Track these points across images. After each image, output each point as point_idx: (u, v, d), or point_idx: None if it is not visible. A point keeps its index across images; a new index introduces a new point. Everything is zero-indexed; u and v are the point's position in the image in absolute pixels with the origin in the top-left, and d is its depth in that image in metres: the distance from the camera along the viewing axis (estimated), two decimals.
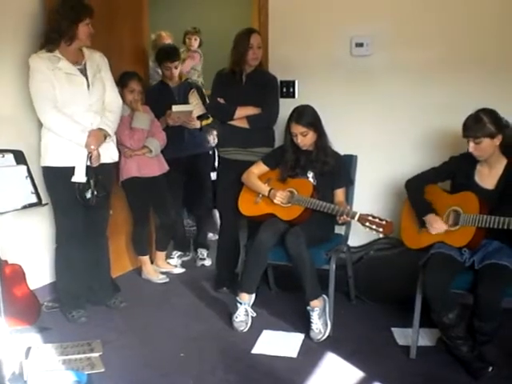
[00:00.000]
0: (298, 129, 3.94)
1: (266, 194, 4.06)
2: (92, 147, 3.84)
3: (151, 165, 4.67)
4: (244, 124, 4.35)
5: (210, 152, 5.60)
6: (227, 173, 4.48)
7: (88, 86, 3.89)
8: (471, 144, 3.40)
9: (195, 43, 6.74)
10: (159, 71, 5.25)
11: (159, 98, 4.92)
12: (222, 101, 4.40)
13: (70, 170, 3.82)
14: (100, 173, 3.91)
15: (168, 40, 6.26)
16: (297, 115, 3.97)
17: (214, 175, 5.32)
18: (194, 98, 5.08)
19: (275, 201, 3.98)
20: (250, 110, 4.34)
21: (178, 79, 5.14)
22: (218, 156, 4.67)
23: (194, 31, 6.74)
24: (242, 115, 4.34)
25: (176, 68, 5.03)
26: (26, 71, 3.84)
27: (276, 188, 4.04)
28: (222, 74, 4.47)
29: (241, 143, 4.39)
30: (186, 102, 5.04)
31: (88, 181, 3.84)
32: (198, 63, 6.76)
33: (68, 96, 3.82)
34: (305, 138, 3.96)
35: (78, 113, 3.84)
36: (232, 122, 4.38)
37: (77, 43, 3.85)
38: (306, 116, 3.97)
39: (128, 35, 4.84)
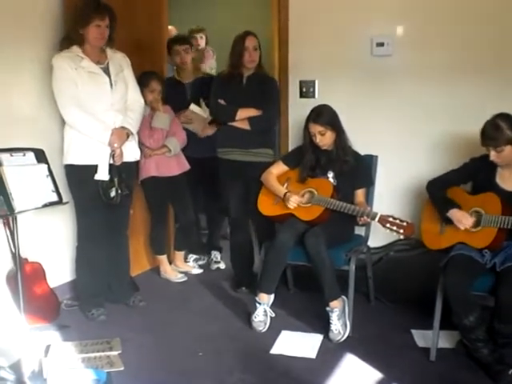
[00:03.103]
0: (316, 128, 3.93)
1: (281, 196, 4.04)
2: (115, 145, 3.86)
3: (170, 164, 4.67)
4: (245, 125, 4.35)
5: None
6: (229, 174, 4.50)
7: (111, 84, 3.91)
8: (492, 152, 3.36)
9: (202, 42, 6.62)
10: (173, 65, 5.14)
11: (169, 95, 4.77)
12: (222, 102, 4.41)
13: (93, 168, 3.84)
14: (122, 171, 3.93)
15: (173, 33, 6.20)
16: (315, 115, 3.96)
17: None
18: (195, 108, 4.93)
19: (289, 205, 3.96)
20: (252, 112, 4.34)
21: (193, 74, 5.07)
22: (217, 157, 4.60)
23: (198, 29, 6.63)
24: (244, 116, 4.34)
25: (186, 52, 4.94)
26: (48, 71, 3.88)
27: (293, 190, 4.02)
28: (223, 75, 4.48)
29: (241, 144, 4.39)
30: (198, 99, 4.95)
31: (112, 179, 3.86)
32: (213, 61, 6.71)
33: (91, 94, 3.84)
34: (323, 138, 3.95)
35: (100, 111, 3.86)
36: (233, 123, 4.38)
37: (88, 45, 3.86)
38: (324, 115, 3.96)
39: (147, 31, 4.81)
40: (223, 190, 4.61)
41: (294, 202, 3.95)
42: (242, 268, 4.65)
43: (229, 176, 4.50)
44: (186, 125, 4.85)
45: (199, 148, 4.91)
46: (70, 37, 3.87)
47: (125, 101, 4.02)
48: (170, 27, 6.15)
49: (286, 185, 4.10)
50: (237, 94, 4.36)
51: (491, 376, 3.27)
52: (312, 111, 4.00)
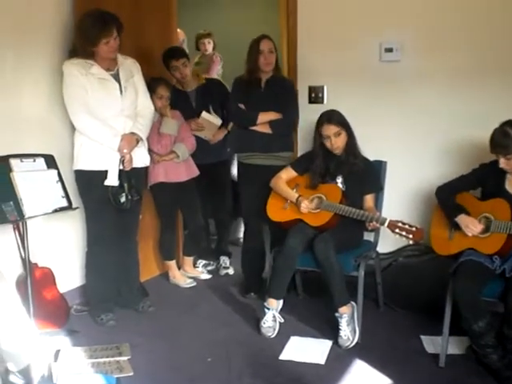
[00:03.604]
0: (330, 129, 3.92)
1: (294, 200, 4.04)
2: (125, 151, 3.87)
3: (178, 170, 4.67)
4: (266, 129, 4.35)
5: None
6: (249, 178, 4.50)
7: (121, 91, 3.92)
8: (502, 159, 3.36)
9: (209, 47, 6.56)
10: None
11: (173, 103, 4.70)
12: (242, 107, 4.41)
13: (103, 174, 3.86)
14: (132, 177, 3.95)
15: (181, 36, 6.17)
16: (327, 117, 3.96)
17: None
18: (207, 116, 4.91)
19: (301, 209, 3.96)
20: (272, 116, 4.34)
21: (194, 82, 5.00)
22: (237, 161, 4.64)
23: (205, 34, 6.58)
24: (265, 120, 4.34)
25: (185, 66, 4.81)
26: (58, 77, 3.90)
27: (304, 195, 4.02)
28: (241, 80, 4.46)
29: (262, 148, 4.39)
30: (204, 106, 4.92)
31: (122, 185, 3.89)
32: (219, 67, 6.67)
33: (101, 101, 3.85)
34: (338, 139, 3.94)
35: (110, 117, 3.88)
36: (254, 128, 4.38)
37: (99, 58, 3.86)
38: (337, 116, 3.97)
39: (156, 38, 4.80)
40: (242, 195, 4.61)
41: (305, 206, 3.95)
42: (252, 273, 4.65)
43: (248, 180, 4.50)
44: (197, 132, 4.85)
45: (207, 154, 4.92)
46: (78, 52, 3.86)
47: (135, 107, 4.03)
48: (178, 30, 6.15)
49: (294, 190, 4.09)
50: (256, 99, 4.36)
51: (500, 382, 3.26)
52: (322, 115, 4.00)
